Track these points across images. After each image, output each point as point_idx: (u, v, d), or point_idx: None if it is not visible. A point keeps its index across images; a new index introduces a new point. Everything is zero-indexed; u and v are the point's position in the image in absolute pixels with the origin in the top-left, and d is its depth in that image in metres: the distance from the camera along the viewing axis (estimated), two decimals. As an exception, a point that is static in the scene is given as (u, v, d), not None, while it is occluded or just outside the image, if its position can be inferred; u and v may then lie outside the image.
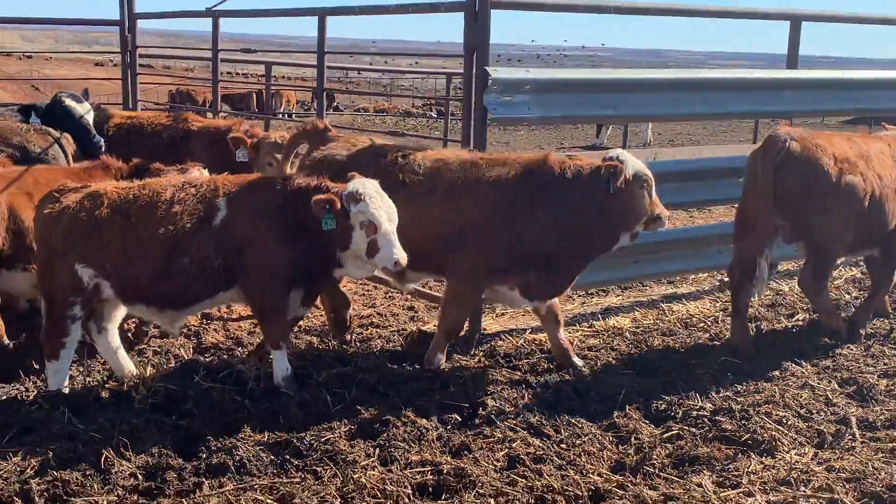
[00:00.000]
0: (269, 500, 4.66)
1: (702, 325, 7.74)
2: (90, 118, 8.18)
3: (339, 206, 5.75)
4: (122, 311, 6.35)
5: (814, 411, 5.80)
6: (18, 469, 4.90)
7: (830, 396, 6.05)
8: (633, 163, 6.31)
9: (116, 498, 4.65)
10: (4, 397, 5.97)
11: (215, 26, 10.64)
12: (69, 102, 8.15)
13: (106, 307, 6.23)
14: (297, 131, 6.70)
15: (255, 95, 34.57)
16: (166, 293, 5.95)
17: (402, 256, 5.74)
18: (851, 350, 7.01)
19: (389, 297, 8.94)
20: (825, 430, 5.51)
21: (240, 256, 5.91)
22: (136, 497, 4.68)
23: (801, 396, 6.01)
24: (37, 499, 4.62)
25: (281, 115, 34.86)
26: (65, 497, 4.65)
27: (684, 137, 29.99)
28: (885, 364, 6.70)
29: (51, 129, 7.56)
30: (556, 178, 6.27)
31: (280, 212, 5.93)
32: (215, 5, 10.26)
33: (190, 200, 5.93)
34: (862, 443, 5.37)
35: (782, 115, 8.92)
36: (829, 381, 6.33)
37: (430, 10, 7.44)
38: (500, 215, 6.24)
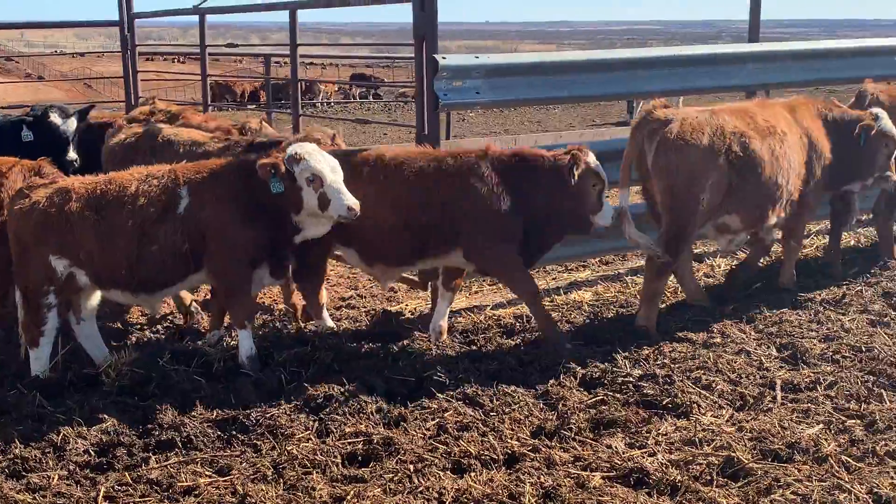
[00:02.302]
0: (207, 472, 5.00)
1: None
2: (71, 132, 8.54)
3: (283, 169, 6.10)
4: (96, 303, 6.74)
5: (743, 376, 6.00)
6: (-16, 448, 5.31)
7: (764, 361, 6.24)
8: (887, 122, 7.66)
9: (68, 472, 5.02)
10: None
11: (202, 22, 11.01)
12: (53, 118, 8.55)
13: (83, 299, 6.62)
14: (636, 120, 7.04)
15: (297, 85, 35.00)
16: (139, 279, 6.32)
17: (353, 202, 6.10)
18: (799, 316, 7.17)
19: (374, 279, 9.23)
20: (749, 393, 5.72)
21: (204, 241, 6.27)
22: (86, 471, 5.05)
23: (735, 362, 6.21)
24: (-3, 474, 5.02)
25: (319, 104, 35.55)
26: (22, 472, 5.04)
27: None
28: (827, 329, 6.86)
29: None
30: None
31: (238, 194, 6.28)
32: (201, 3, 10.61)
33: (154, 192, 6.29)
34: (781, 404, 5.58)
35: (747, 87, 9.06)
36: (768, 347, 6.52)
37: (382, 0, 7.70)
38: None
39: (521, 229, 6.56)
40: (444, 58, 7.11)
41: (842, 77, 9.74)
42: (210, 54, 11.78)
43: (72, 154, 8.36)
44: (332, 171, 6.14)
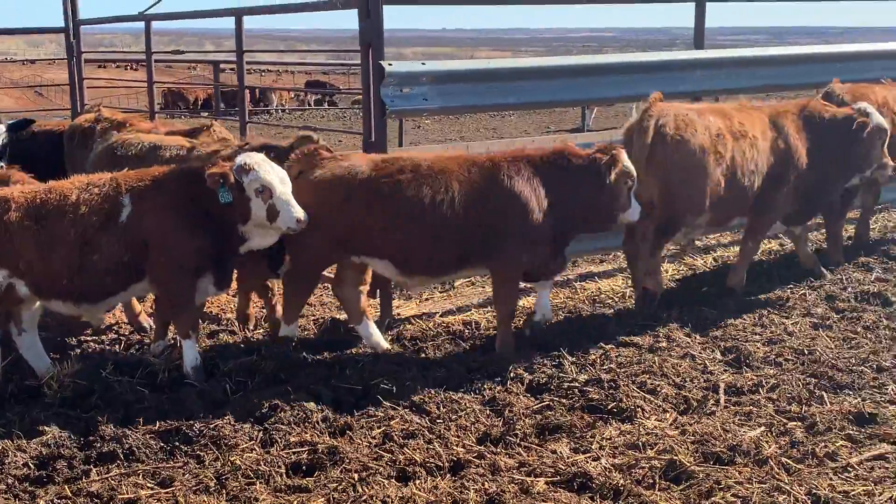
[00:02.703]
0: (149, 484, 4.93)
1: (609, 301, 8.01)
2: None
3: (232, 179, 6.05)
4: (37, 313, 6.64)
5: (688, 379, 6.06)
6: (-79, 462, 5.19)
7: (709, 365, 6.32)
8: (877, 116, 8.04)
9: (6, 486, 4.93)
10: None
11: (147, 29, 10.92)
12: None
13: (23, 310, 6.51)
14: None
15: (248, 92, 35.10)
16: (80, 289, 6.23)
17: (301, 214, 6.07)
18: (744, 320, 7.26)
19: (322, 286, 9.19)
20: (692, 396, 5.79)
21: (147, 250, 6.20)
22: (26, 485, 4.97)
23: (680, 366, 6.28)
24: (-67, 489, 4.91)
25: (273, 111, 35.41)
26: (-40, 487, 4.94)
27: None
28: (770, 332, 6.95)
29: None
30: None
31: (182, 203, 6.21)
32: (146, 9, 10.53)
33: (95, 200, 6.21)
34: (724, 407, 5.65)
35: (694, 94, 9.18)
36: (713, 351, 6.60)
37: (328, 7, 7.69)
38: None
39: (552, 230, 6.62)
40: (390, 64, 7.11)
41: (789, 83, 9.93)
42: (157, 61, 11.69)
43: None
44: (282, 183, 6.11)
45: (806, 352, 6.51)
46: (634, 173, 6.73)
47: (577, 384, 5.93)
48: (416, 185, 6.43)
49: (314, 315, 8.19)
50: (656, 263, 7.59)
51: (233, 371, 6.35)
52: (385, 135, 7.36)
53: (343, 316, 7.92)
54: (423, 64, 7.39)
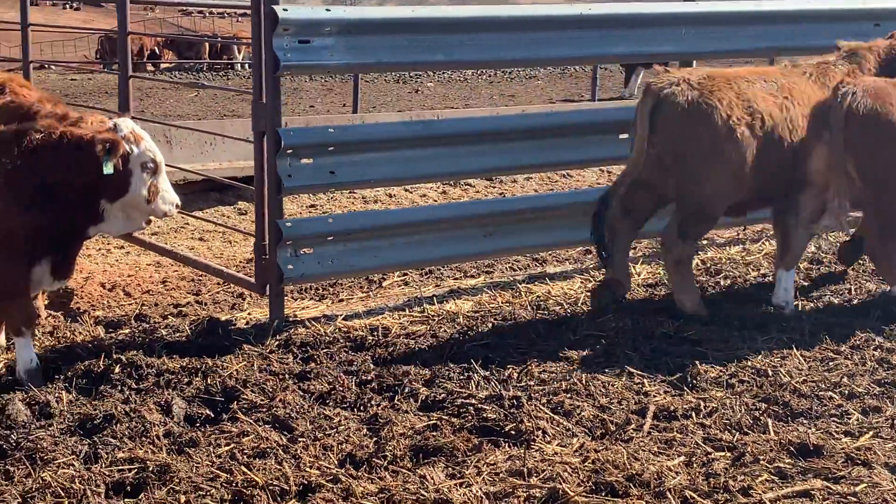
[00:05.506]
0: (-58, 504, 5.40)
1: (557, 307, 8.41)
2: None
3: (123, 149, 6.58)
4: None
5: (616, 401, 6.49)
6: None
7: (648, 385, 6.74)
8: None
9: None
10: None
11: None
12: None
13: None
14: None
15: (207, 44, 35.87)
16: None
17: (178, 199, 7.01)
18: (711, 335, 7.67)
19: (224, 283, 9.63)
20: (614, 419, 6.21)
21: None
22: None
23: (613, 384, 6.71)
24: None
25: (239, 66, 35.69)
26: None
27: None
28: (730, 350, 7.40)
29: None
30: None
31: (15, 169, 6.57)
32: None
33: None
34: (647, 434, 6.07)
35: (676, 56, 9.56)
36: (657, 369, 7.03)
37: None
38: None
39: None
40: (285, 9, 7.49)
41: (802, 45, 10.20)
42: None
43: None
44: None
45: (770, 373, 6.93)
46: None
47: (473, 401, 6.35)
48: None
49: (198, 315, 8.60)
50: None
51: (76, 376, 6.83)
52: (279, 96, 7.75)
53: (225, 317, 8.38)
54: (327, 10, 7.77)
